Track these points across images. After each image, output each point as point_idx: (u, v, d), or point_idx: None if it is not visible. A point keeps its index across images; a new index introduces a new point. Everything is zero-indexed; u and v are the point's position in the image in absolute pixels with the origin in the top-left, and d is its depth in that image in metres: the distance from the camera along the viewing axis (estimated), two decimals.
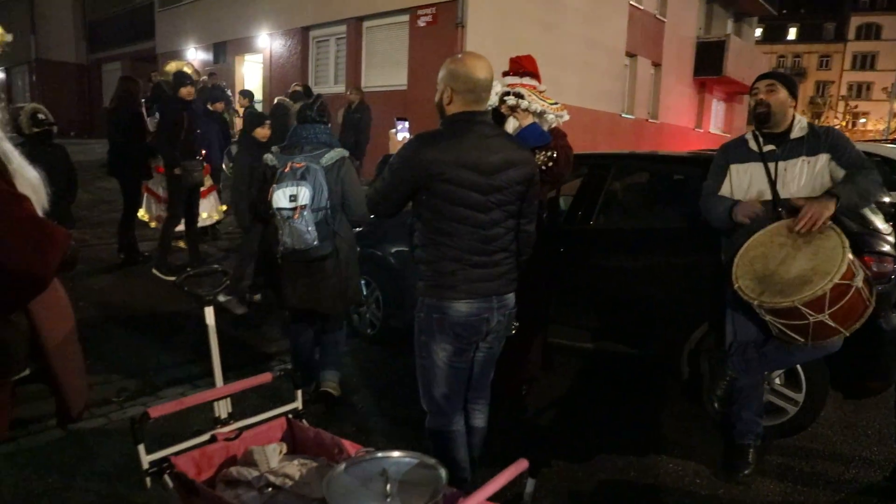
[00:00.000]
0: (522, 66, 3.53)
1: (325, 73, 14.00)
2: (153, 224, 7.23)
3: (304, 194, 3.28)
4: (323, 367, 3.76)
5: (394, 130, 2.96)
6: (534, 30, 12.18)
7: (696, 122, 20.08)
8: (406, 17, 11.95)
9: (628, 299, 3.94)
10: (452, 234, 2.33)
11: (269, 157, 3.52)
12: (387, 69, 12.55)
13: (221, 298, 4.80)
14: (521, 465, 1.75)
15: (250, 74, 16.22)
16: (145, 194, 7.15)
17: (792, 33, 53.95)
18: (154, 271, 6.24)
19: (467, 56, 2.43)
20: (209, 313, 2.34)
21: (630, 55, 16.01)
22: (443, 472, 1.83)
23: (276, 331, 5.12)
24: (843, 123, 41.51)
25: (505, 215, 2.39)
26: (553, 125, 3.45)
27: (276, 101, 8.08)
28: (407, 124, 2.98)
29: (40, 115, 5.17)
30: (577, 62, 13.49)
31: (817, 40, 52.64)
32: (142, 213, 7.16)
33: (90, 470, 3.02)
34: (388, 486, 1.74)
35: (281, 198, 3.30)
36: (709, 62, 18.37)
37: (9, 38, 2.06)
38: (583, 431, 3.64)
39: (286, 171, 3.35)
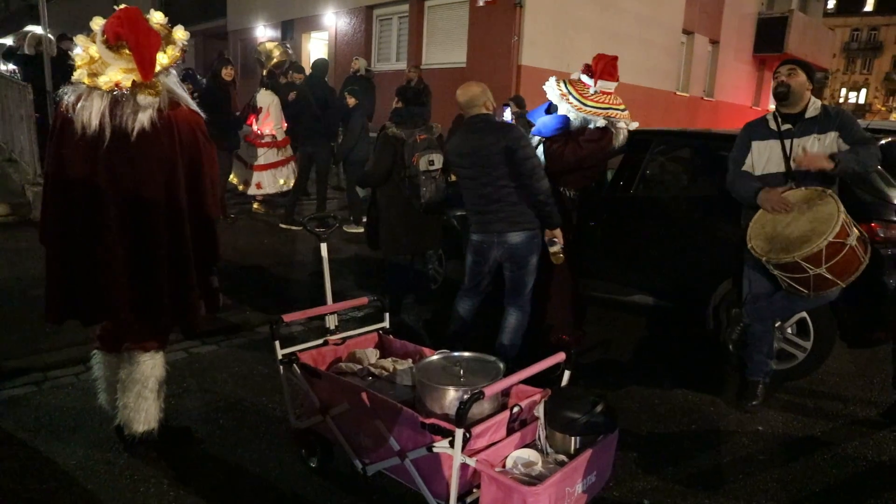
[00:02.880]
0: (586, 66, 4.18)
1: (388, 51, 14.61)
2: (241, 188, 8.20)
3: (439, 160, 4.24)
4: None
5: (504, 115, 3.90)
6: (590, 8, 12.45)
7: (753, 100, 19.85)
8: None
9: (663, 259, 4.49)
10: (466, 194, 3.71)
11: (394, 130, 4.38)
12: (447, 47, 13.05)
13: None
14: (559, 356, 2.39)
15: (316, 51, 16.98)
16: (235, 161, 8.07)
17: (869, 4, 51.20)
18: (281, 225, 7.64)
19: (461, 87, 3.71)
20: (324, 248, 3.07)
21: (687, 32, 16.00)
22: (501, 365, 2.49)
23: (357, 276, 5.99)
24: None
25: (493, 178, 3.53)
26: (594, 124, 4.06)
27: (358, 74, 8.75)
28: (508, 109, 3.96)
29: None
30: (632, 40, 13.68)
31: None
32: (232, 178, 8.11)
33: (214, 380, 3.83)
34: (461, 372, 2.42)
35: (424, 163, 4.21)
36: (770, 39, 18.07)
37: (186, 35, 2.76)
38: (616, 369, 4.24)
39: (418, 140, 4.25)
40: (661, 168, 5.12)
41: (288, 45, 11.87)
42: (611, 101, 4.16)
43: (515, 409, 2.27)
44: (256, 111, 8.16)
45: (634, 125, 4.29)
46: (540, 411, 2.31)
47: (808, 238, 3.13)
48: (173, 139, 2.59)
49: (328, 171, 7.90)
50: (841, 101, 45.38)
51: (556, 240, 3.65)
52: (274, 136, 8.27)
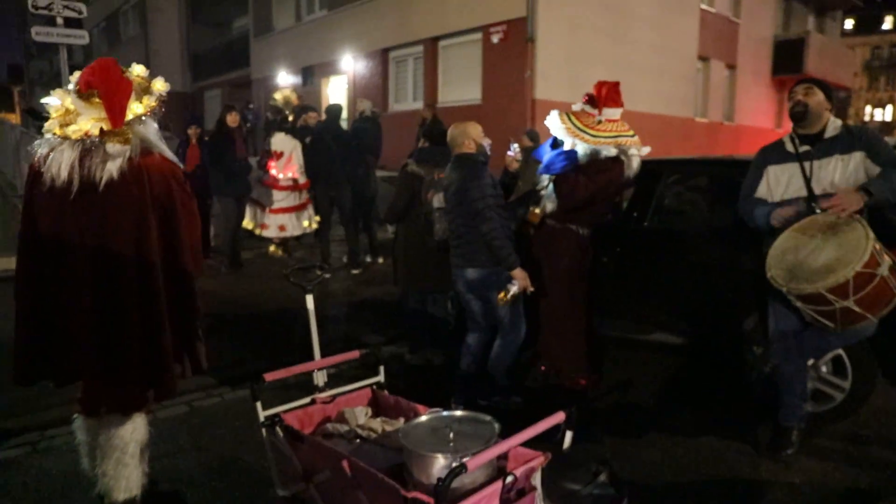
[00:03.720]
0: (588, 96, 4.01)
1: (405, 91, 14.74)
2: (258, 231, 8.20)
3: None
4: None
5: (510, 152, 4.10)
6: (603, 41, 12.41)
7: (775, 123, 19.49)
8: (479, 35, 12.48)
9: (682, 294, 4.22)
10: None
11: (414, 167, 4.54)
12: (461, 85, 13.12)
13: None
14: (558, 416, 2.15)
15: (335, 94, 17.25)
16: (249, 205, 8.09)
17: (888, 22, 50.66)
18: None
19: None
20: (310, 300, 2.89)
21: (702, 59, 15.86)
22: (496, 426, 2.26)
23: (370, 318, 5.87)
24: None
25: (457, 214, 3.71)
26: (604, 154, 3.89)
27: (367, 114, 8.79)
28: (515, 145, 4.10)
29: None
30: (647, 68, 13.57)
31: None
32: (247, 223, 8.12)
33: (212, 436, 3.65)
34: (451, 435, 2.20)
35: (438, 199, 4.17)
36: (788, 61, 17.84)
37: (166, 87, 2.67)
38: (636, 414, 3.95)
39: (436, 178, 4.30)
40: (676, 198, 4.88)
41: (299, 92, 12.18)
42: (619, 129, 3.96)
43: (509, 479, 2.03)
44: (273, 155, 8.20)
45: (646, 150, 4.06)
46: (537, 480, 2.07)
47: (833, 268, 2.86)
48: (143, 189, 2.48)
49: (352, 213, 7.79)
50: (867, 118, 44.54)
51: (513, 282, 3.58)
52: (296, 180, 8.31)
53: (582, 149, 3.94)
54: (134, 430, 2.70)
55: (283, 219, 8.35)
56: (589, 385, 4.10)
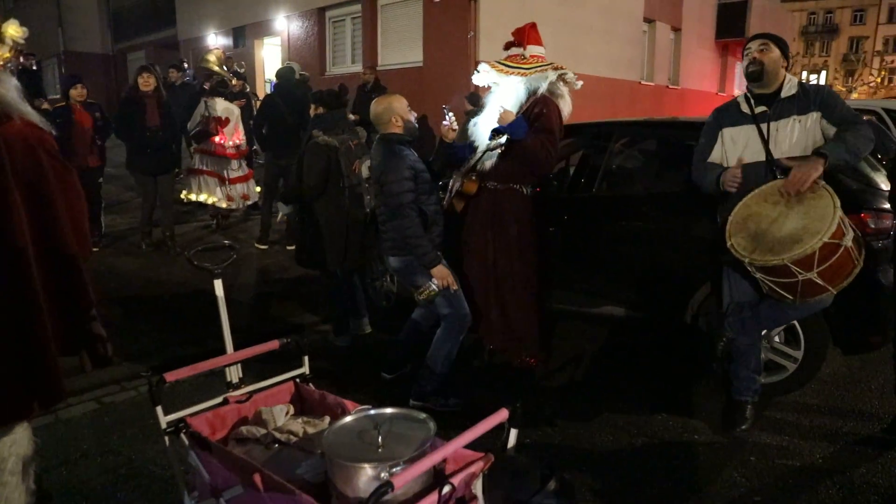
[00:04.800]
0: (509, 43, 3.67)
1: (343, 54, 14.06)
2: (225, 204, 7.69)
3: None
4: (362, 314, 4.63)
5: (445, 122, 3.56)
6: (549, 0, 12.03)
7: (719, 87, 19.64)
8: None
9: (632, 264, 4.02)
10: None
11: (325, 138, 4.15)
12: (402, 47, 12.55)
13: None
14: (501, 415, 1.88)
15: (269, 57, 16.37)
16: (206, 178, 7.49)
17: None
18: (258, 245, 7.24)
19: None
20: (218, 285, 2.52)
21: (648, 21, 15.69)
22: (432, 426, 1.97)
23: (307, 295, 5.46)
24: (879, 80, 39.93)
25: (377, 201, 3.46)
26: (540, 90, 3.56)
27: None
28: (451, 115, 3.58)
29: None
30: (594, 31, 13.30)
31: None
32: (208, 197, 7.53)
33: (122, 436, 3.26)
34: (380, 438, 1.90)
35: (367, 169, 3.90)
36: (731, 24, 17.88)
37: (22, 32, 2.21)
38: (587, 394, 3.76)
39: (353, 147, 4.05)
40: (626, 162, 4.64)
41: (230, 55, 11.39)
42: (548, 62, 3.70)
43: (446, 489, 1.76)
44: (221, 122, 7.60)
45: (580, 84, 3.79)
46: (478, 488, 1.81)
47: (798, 237, 2.67)
48: (1, 160, 2.04)
49: None
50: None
51: (433, 279, 3.32)
52: (238, 147, 7.81)
53: (519, 88, 3.64)
54: (13, 443, 2.30)
55: (242, 188, 7.89)
56: (538, 364, 3.88)
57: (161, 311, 5.21)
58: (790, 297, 2.80)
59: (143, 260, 6.64)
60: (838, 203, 2.66)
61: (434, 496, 1.74)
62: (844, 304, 3.18)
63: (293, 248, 7.04)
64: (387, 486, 1.52)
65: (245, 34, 16.50)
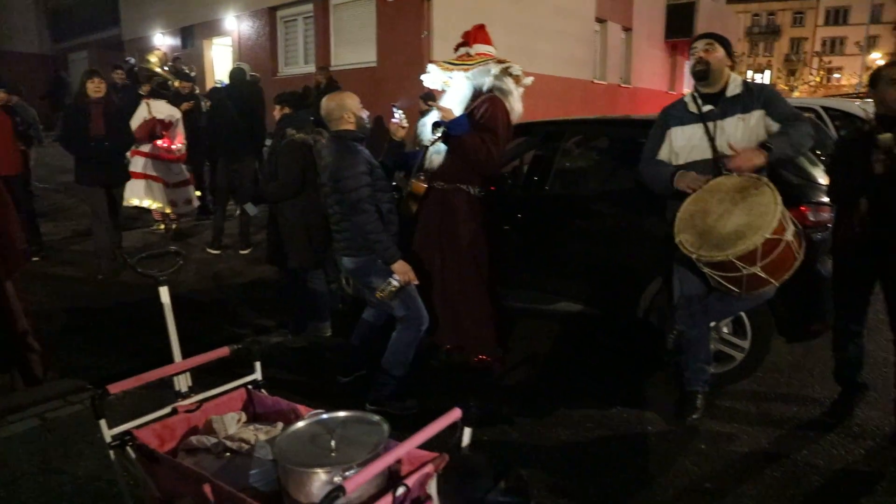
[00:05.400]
0: (458, 44, 3.70)
1: (295, 54, 13.89)
2: (169, 210, 7.50)
3: None
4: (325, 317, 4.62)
5: (394, 119, 3.54)
6: (502, 1, 12.12)
7: (669, 85, 20.14)
8: None
9: (585, 261, 4.08)
10: None
11: (301, 136, 4.21)
12: (356, 47, 12.46)
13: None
14: (454, 414, 1.88)
15: (220, 58, 16.05)
16: (151, 183, 7.26)
17: None
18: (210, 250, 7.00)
19: None
20: (164, 293, 2.45)
21: (600, 21, 15.98)
22: (385, 427, 1.96)
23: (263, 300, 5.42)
24: (818, 79, 41.55)
25: (333, 201, 3.38)
26: (486, 87, 3.58)
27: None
28: (400, 112, 3.56)
29: None
30: (547, 30, 13.46)
31: None
32: (152, 203, 7.31)
33: (66, 453, 3.14)
34: (333, 442, 1.88)
35: None
36: (679, 24, 18.37)
37: None
38: (544, 391, 3.79)
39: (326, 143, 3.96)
40: (578, 160, 4.71)
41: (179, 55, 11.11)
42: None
43: (400, 491, 1.75)
44: (164, 125, 7.40)
45: (529, 80, 3.83)
46: (433, 489, 1.80)
47: (742, 233, 2.75)
48: None
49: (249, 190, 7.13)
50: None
51: (393, 276, 3.27)
52: (180, 150, 7.67)
53: (465, 86, 3.66)
54: None
55: (185, 192, 7.75)
56: (495, 362, 3.90)
57: (106, 322, 5.02)
58: (736, 291, 2.88)
59: (84, 269, 6.39)
60: (779, 199, 2.74)
61: (388, 498, 1.73)
62: (787, 295, 3.29)
63: (247, 251, 6.94)
64: (338, 490, 1.51)
65: (193, 34, 16.13)
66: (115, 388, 2.13)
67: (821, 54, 47.26)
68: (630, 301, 3.90)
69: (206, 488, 1.83)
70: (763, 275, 2.76)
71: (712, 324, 3.43)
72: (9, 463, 3.04)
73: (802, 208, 3.45)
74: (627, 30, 17.41)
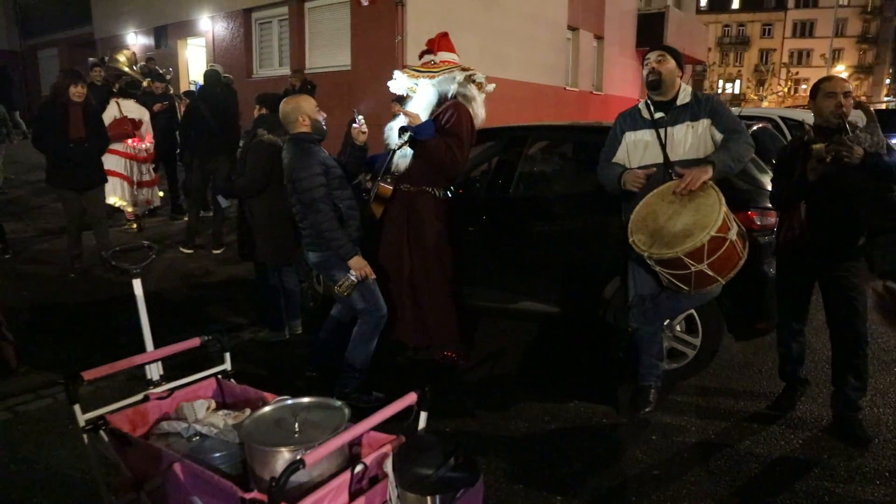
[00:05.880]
0: (422, 52, 3.84)
1: (270, 56, 13.90)
2: (130, 209, 7.64)
3: None
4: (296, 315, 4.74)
5: (355, 124, 3.60)
6: (475, 7, 12.30)
7: (640, 93, 20.54)
8: None
9: (547, 261, 4.24)
10: None
11: (270, 136, 4.34)
12: (330, 50, 12.54)
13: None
14: (410, 398, 2.02)
15: (194, 59, 15.98)
16: (120, 181, 7.31)
17: (736, 2, 55.06)
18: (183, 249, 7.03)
19: None
20: (137, 285, 2.55)
21: (572, 28, 16.28)
22: (347, 412, 2.09)
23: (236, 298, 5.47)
24: (786, 90, 42.63)
25: (294, 201, 3.51)
26: (451, 93, 3.75)
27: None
28: (361, 117, 3.62)
29: None
30: (519, 37, 13.69)
31: (759, 9, 53.86)
32: (117, 201, 7.37)
33: (38, 444, 3.20)
34: (297, 425, 2.01)
35: None
36: (650, 34, 18.77)
37: None
38: (506, 385, 3.94)
39: None
40: (541, 164, 4.89)
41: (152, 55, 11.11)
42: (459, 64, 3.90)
43: (359, 468, 1.88)
44: (136, 123, 7.45)
45: (491, 87, 3.99)
46: (389, 467, 1.93)
47: (690, 232, 2.93)
48: None
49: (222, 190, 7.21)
50: (719, 91, 48.40)
51: (350, 271, 3.41)
52: (148, 150, 7.77)
53: (430, 92, 3.83)
54: None
55: (148, 193, 7.86)
56: (459, 358, 4.04)
57: (76, 319, 5.06)
58: (686, 288, 3.07)
59: (51, 267, 6.38)
60: (723, 200, 2.93)
61: (347, 475, 1.86)
62: (735, 295, 3.51)
63: (219, 251, 7.00)
64: (298, 463, 1.63)
65: (167, 34, 16.03)
66: (89, 375, 2.22)
67: (788, 65, 48.51)
68: (590, 300, 4.08)
69: (177, 466, 1.94)
70: (710, 272, 2.95)
71: (666, 322, 3.63)
72: None
73: (750, 213, 3.66)
74: (599, 38, 17.75)
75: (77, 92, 5.61)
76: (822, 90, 3.20)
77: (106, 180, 6.20)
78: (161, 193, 8.18)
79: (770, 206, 3.69)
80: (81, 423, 2.22)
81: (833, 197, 3.09)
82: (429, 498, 1.86)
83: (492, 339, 4.63)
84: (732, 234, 2.95)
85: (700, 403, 3.65)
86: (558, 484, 2.84)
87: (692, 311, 3.71)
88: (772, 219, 3.69)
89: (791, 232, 3.30)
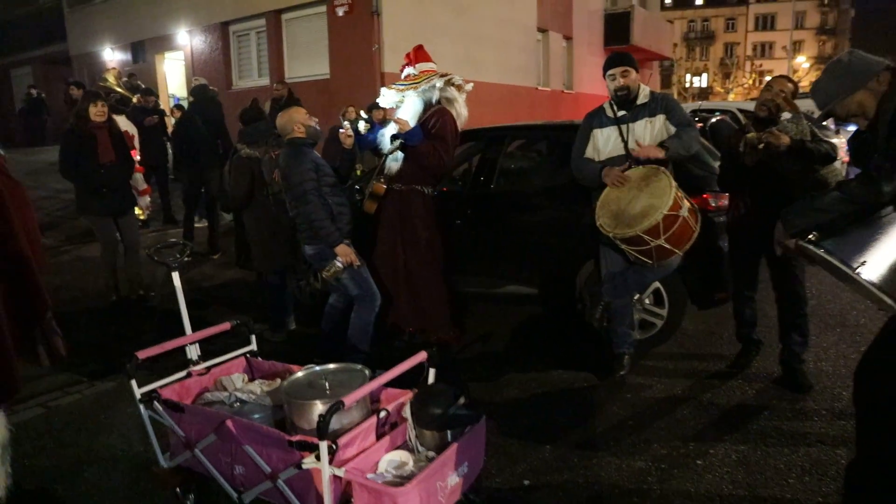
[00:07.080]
0: (402, 65, 4.32)
1: (249, 67, 14.21)
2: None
3: None
4: (289, 312, 5.07)
5: (342, 130, 4.01)
6: (448, 14, 12.75)
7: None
8: (323, 8, 12.32)
9: (528, 248, 4.69)
10: None
11: (247, 151, 4.65)
12: (309, 60, 12.89)
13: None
14: (420, 356, 2.43)
15: (172, 72, 16.20)
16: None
17: None
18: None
19: None
20: (176, 277, 2.93)
21: (542, 30, 16.81)
22: (367, 372, 2.50)
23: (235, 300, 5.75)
24: (751, 82, 43.76)
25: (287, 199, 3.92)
26: (434, 99, 4.20)
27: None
28: (346, 123, 3.99)
29: None
30: (492, 40, 14.17)
31: (722, 4, 55.32)
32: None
33: (76, 432, 3.55)
34: (327, 385, 2.41)
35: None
36: (617, 32, 19.37)
37: None
38: (496, 361, 4.37)
39: (274, 157, 4.39)
40: (518, 161, 5.34)
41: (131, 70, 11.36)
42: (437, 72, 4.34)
43: (382, 414, 2.29)
44: (130, 138, 7.76)
45: (470, 86, 4.43)
46: (407, 412, 2.35)
47: (647, 213, 3.38)
48: None
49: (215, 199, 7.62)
50: (687, 85, 49.56)
51: (337, 258, 3.80)
52: (138, 163, 7.96)
53: (416, 102, 4.25)
54: None
55: (144, 200, 8.06)
56: (453, 340, 4.46)
57: (96, 322, 5.39)
58: (649, 262, 3.52)
59: (67, 274, 6.70)
60: (674, 183, 3.39)
61: (373, 419, 2.27)
62: (695, 268, 3.98)
63: (216, 257, 7.35)
64: (339, 403, 2.03)
65: (145, 49, 16.24)
66: (143, 354, 2.61)
67: (752, 58, 49.79)
68: (567, 282, 4.52)
69: (229, 422, 2.33)
70: (668, 246, 3.40)
71: (636, 297, 4.08)
72: (24, 442, 3.42)
73: (705, 195, 4.13)
74: (568, 39, 18.31)
75: (98, 112, 5.43)
76: (764, 87, 3.69)
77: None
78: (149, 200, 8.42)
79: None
80: (138, 396, 2.59)
81: (771, 179, 3.56)
82: (440, 434, 2.27)
83: (481, 321, 5.05)
84: (684, 212, 3.40)
85: (668, 366, 4.11)
86: (548, 435, 3.27)
87: (659, 285, 4.17)
88: (724, 201, 4.16)
89: (738, 211, 3.78)
